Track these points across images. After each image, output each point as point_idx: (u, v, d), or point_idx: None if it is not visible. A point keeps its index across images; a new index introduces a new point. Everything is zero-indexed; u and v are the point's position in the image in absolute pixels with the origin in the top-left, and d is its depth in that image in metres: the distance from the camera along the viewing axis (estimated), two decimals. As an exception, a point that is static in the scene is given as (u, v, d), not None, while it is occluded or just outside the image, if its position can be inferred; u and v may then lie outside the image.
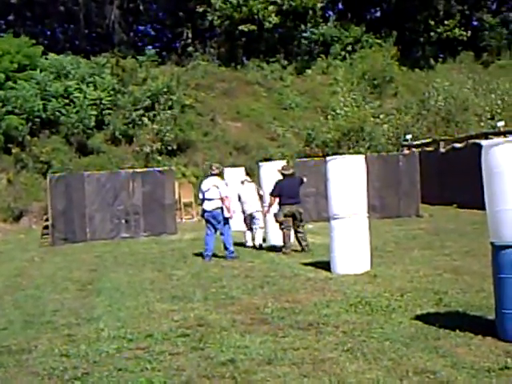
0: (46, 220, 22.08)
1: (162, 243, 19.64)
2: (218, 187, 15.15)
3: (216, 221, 15.24)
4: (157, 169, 24.32)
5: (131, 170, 23.34)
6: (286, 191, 15.25)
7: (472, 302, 9.14)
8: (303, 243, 15.41)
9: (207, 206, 15.29)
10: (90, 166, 29.46)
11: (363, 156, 13.47)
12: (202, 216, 15.83)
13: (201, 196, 15.58)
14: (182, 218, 26.89)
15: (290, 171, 16.03)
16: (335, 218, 12.50)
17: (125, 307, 10.28)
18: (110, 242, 20.74)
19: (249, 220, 17.41)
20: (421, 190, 23.61)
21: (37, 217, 27.71)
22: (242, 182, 17.49)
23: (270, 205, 15.91)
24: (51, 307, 10.67)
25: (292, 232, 15.64)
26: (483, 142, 7.89)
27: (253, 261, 14.71)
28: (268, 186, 17.53)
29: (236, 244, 16.07)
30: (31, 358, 7.75)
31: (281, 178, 15.86)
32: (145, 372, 6.97)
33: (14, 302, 11.49)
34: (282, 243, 15.69)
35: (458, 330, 7.66)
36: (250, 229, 17.44)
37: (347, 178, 12.30)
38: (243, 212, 17.47)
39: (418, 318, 8.47)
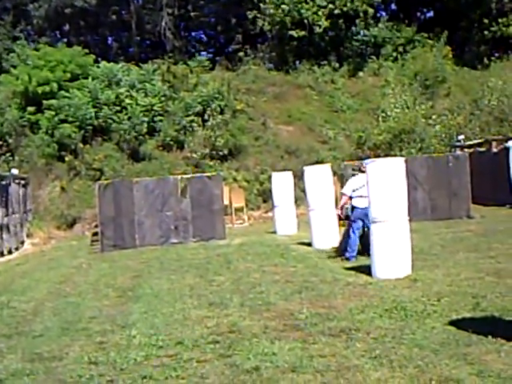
0: (96, 227, 22.34)
1: (209, 248, 19.63)
2: None
3: (367, 217, 15.02)
4: (205, 174, 24.36)
5: (179, 176, 23.38)
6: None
7: (510, 306, 8.91)
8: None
9: (361, 203, 14.68)
10: (142, 173, 29.73)
11: (403, 158, 13.27)
12: (348, 214, 15.49)
13: (349, 193, 15.07)
14: (233, 223, 26.89)
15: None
16: (375, 222, 12.35)
17: (161, 314, 10.31)
18: (159, 248, 20.79)
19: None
20: (473, 190, 23.21)
21: (90, 223, 27.98)
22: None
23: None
24: (89, 314, 10.78)
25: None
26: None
27: (296, 265, 14.60)
28: (312, 189, 17.61)
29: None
30: (61, 366, 7.83)
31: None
32: (169, 380, 7.00)
33: (54, 308, 11.63)
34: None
35: (490, 336, 7.49)
36: None
37: (386, 181, 12.12)
38: None
39: (451, 323, 8.31)
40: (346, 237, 16.23)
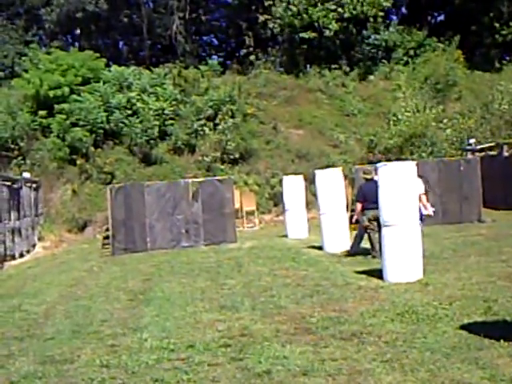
0: (107, 230, 22.38)
1: (220, 252, 19.63)
2: None
3: None
4: (216, 178, 24.34)
5: (190, 180, 23.39)
6: (369, 196, 15.00)
7: (522, 310, 8.91)
8: (377, 247, 15.08)
9: None
10: (153, 176, 29.80)
11: (414, 162, 13.23)
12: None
13: None
14: (244, 227, 26.90)
15: (371, 175, 15.77)
16: (386, 226, 12.33)
17: (172, 317, 10.31)
18: (170, 252, 20.78)
19: None
20: (485, 194, 23.16)
21: (101, 227, 27.98)
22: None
23: (358, 210, 15.77)
24: (100, 317, 10.79)
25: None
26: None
27: (307, 269, 14.60)
28: (323, 193, 17.63)
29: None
30: (72, 369, 7.83)
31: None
32: (180, 383, 6.98)
33: (65, 311, 11.66)
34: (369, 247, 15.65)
35: (502, 340, 7.45)
36: None
37: (398, 185, 12.11)
38: None
39: (463, 327, 8.28)
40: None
